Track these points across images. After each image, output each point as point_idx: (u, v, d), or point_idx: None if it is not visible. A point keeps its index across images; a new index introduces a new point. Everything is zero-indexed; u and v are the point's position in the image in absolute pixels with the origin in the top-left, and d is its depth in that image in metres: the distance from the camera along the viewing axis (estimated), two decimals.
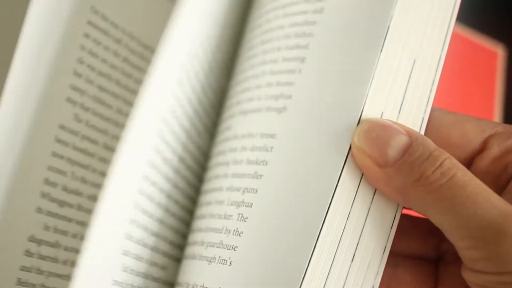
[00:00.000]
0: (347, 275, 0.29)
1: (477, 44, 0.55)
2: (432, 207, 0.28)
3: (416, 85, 0.31)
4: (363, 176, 0.30)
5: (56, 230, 0.33)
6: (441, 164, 0.28)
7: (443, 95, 0.50)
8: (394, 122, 0.30)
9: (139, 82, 0.37)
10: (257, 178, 0.32)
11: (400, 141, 0.29)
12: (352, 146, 0.30)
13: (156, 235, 0.34)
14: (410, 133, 0.29)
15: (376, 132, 0.29)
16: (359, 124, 0.30)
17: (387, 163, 0.29)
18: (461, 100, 0.53)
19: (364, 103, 0.30)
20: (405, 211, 0.31)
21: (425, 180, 0.28)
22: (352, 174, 0.30)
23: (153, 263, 0.34)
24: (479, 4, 0.56)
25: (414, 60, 0.31)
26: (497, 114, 0.54)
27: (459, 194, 0.28)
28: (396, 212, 0.30)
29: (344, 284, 0.29)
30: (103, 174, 0.35)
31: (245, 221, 0.31)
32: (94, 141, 0.35)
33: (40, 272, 0.33)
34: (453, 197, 0.28)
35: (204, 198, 0.35)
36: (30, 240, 0.33)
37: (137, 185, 0.31)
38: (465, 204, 0.27)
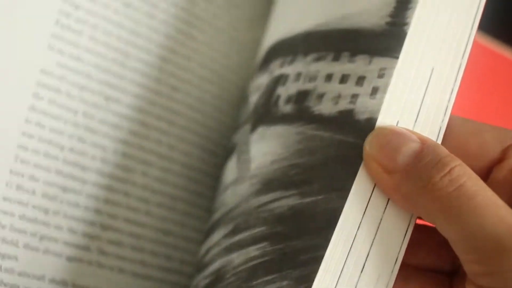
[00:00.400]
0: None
1: (498, 54, 0.53)
2: (438, 216, 0.27)
3: (433, 94, 0.30)
4: (376, 185, 0.29)
5: None
6: (450, 170, 0.27)
7: (463, 105, 0.47)
8: (408, 130, 0.29)
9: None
10: None
11: (411, 147, 0.28)
12: (363, 153, 0.29)
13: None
14: (423, 141, 0.29)
15: (388, 139, 0.29)
16: (372, 132, 0.29)
17: (396, 170, 0.28)
18: (481, 110, 0.50)
19: (379, 111, 0.29)
20: (418, 221, 0.30)
21: (432, 187, 0.27)
22: (364, 183, 0.29)
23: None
24: (502, 13, 0.53)
25: (433, 68, 0.30)
26: None
27: (466, 204, 0.27)
28: (409, 223, 0.29)
29: None
30: None
31: None
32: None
33: None
34: (460, 207, 0.27)
35: None
36: None
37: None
38: (472, 215, 0.26)
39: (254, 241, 0.31)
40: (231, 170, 0.36)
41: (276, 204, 0.31)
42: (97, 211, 0.36)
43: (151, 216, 0.38)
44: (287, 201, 0.31)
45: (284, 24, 0.37)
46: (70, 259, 0.35)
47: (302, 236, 0.29)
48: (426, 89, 0.30)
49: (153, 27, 0.38)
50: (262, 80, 0.36)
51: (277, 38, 0.37)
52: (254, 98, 0.37)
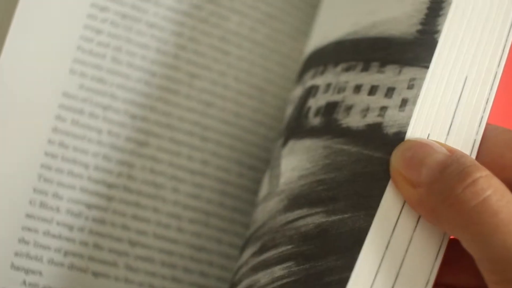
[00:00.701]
0: None
1: None
2: (461, 232, 0.26)
3: (467, 105, 0.29)
4: (405, 203, 0.28)
5: None
6: (473, 182, 0.25)
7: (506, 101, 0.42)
8: (436, 141, 0.28)
9: None
10: None
11: (436, 159, 0.27)
12: (390, 167, 0.28)
13: None
14: (451, 151, 0.27)
15: (412, 152, 0.27)
16: (398, 145, 0.28)
17: (421, 183, 0.27)
18: None
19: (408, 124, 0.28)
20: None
21: (454, 199, 0.25)
22: (393, 201, 0.27)
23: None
24: None
25: (466, 78, 0.29)
26: None
27: (489, 221, 0.25)
28: (442, 241, 0.27)
29: None
30: None
31: None
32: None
33: None
34: (483, 224, 0.25)
35: None
36: None
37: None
38: (495, 233, 0.25)
39: (280, 260, 0.30)
40: (264, 186, 0.35)
41: (302, 222, 0.30)
42: (124, 227, 0.36)
43: (183, 233, 0.38)
44: (312, 218, 0.30)
45: (318, 34, 0.36)
46: (96, 274, 0.36)
47: (327, 257, 0.28)
48: (459, 100, 0.29)
49: (180, 44, 0.38)
50: (297, 92, 0.35)
51: (312, 48, 0.36)
52: (288, 111, 0.36)
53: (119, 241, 0.36)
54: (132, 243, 0.36)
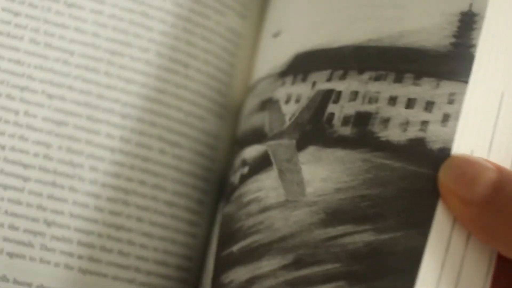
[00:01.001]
0: None
1: None
2: None
3: (506, 121, 0.28)
4: (455, 220, 0.27)
5: None
6: None
7: None
8: (482, 158, 0.27)
9: None
10: None
11: (488, 178, 0.26)
12: (439, 184, 0.27)
13: None
14: (500, 170, 0.26)
15: (462, 169, 0.27)
16: (445, 161, 0.28)
17: (474, 201, 0.26)
18: None
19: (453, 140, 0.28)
20: None
21: None
22: (444, 218, 0.27)
23: None
24: None
25: (503, 93, 0.28)
26: None
27: None
28: (491, 258, 0.28)
29: None
30: None
31: None
32: None
33: None
34: None
35: None
36: None
37: None
38: None
39: (327, 278, 0.29)
40: (272, 189, 0.33)
41: (348, 239, 0.29)
42: (40, 207, 0.36)
43: (101, 211, 0.37)
44: (361, 236, 0.28)
45: (320, 32, 0.34)
46: (11, 255, 0.36)
47: (383, 277, 0.27)
48: (497, 115, 0.28)
49: (100, 22, 0.38)
50: (299, 90, 0.33)
51: (312, 46, 0.34)
52: (290, 108, 0.34)
53: (34, 221, 0.36)
54: (48, 223, 0.36)
